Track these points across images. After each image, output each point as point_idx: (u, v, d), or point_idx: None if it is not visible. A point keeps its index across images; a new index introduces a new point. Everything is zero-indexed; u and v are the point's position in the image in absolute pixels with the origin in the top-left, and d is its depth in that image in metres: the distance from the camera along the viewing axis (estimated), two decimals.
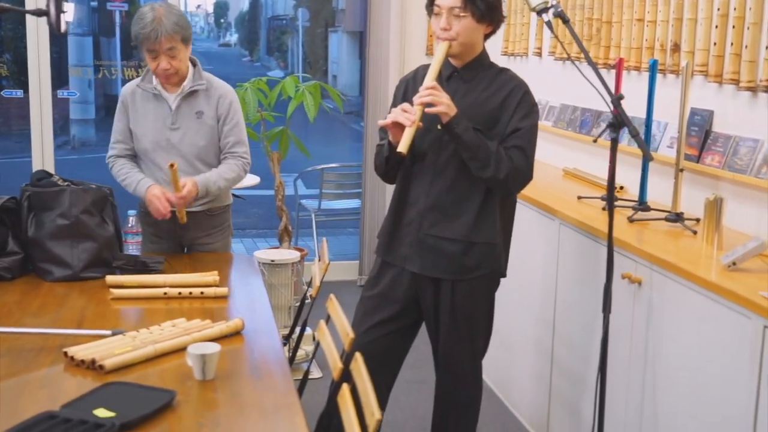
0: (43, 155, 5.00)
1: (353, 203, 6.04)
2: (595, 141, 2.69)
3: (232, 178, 3.17)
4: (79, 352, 2.17)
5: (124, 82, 10.09)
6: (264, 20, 17.78)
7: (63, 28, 2.06)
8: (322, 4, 13.32)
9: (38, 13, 2.07)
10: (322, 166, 5.88)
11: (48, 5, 2.09)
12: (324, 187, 5.84)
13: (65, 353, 2.18)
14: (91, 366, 2.13)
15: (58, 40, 5.15)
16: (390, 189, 5.49)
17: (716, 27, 3.02)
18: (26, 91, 5.03)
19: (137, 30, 2.97)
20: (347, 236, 7.08)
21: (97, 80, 8.82)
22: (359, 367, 2.00)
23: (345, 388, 1.96)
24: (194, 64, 3.17)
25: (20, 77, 5.77)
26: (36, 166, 4.94)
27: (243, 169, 3.20)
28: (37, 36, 4.91)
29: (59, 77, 5.21)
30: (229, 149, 3.19)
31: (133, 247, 3.02)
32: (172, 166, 2.92)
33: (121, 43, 9.02)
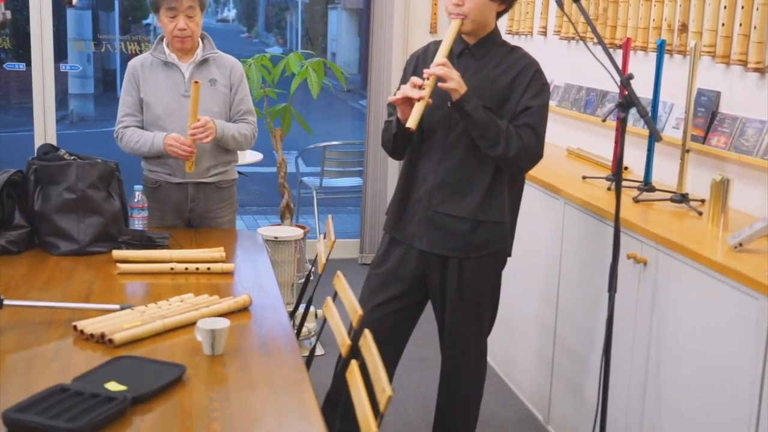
0: (45, 129, 4.98)
1: (355, 181, 6.03)
2: (604, 120, 2.70)
3: (245, 135, 3.25)
4: (89, 326, 2.18)
5: (123, 56, 10.06)
6: None
7: (74, 1, 2.04)
8: None
9: None
10: (324, 143, 5.87)
11: None
12: (326, 164, 5.83)
13: (75, 327, 2.19)
14: (101, 340, 2.13)
15: (57, 13, 5.11)
16: (392, 167, 5.54)
17: (725, 7, 3.01)
18: (28, 64, 5.01)
19: None
20: (347, 214, 7.08)
21: (95, 54, 8.78)
22: (369, 344, 2.01)
23: (354, 364, 1.97)
24: (204, 38, 3.26)
25: (18, 50, 5.74)
26: (38, 140, 4.93)
27: (253, 135, 3.30)
28: (40, 9, 4.88)
29: (58, 51, 5.19)
30: (241, 116, 3.28)
31: (138, 222, 3.01)
32: (196, 83, 3.01)
33: (120, 17, 8.97)
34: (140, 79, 3.21)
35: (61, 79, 7.67)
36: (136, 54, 6.23)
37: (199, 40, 3.23)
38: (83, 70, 8.69)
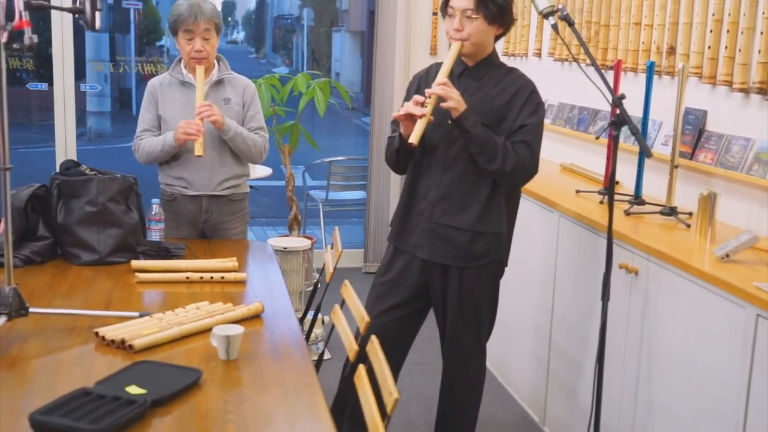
0: (66, 145, 5.00)
1: (359, 194, 6.04)
2: (597, 138, 2.71)
3: (254, 141, 3.24)
4: (109, 332, 2.18)
5: (138, 76, 10.08)
6: (270, 19, 17.72)
7: (98, 25, 2.06)
8: (326, 5, 13.27)
9: (75, 10, 2.07)
10: (330, 159, 5.88)
11: (83, 2, 2.09)
12: (331, 178, 5.84)
13: (96, 333, 2.19)
14: (121, 345, 2.14)
15: (77, 36, 5.15)
16: (395, 181, 5.55)
17: (711, 31, 3.03)
18: (50, 84, 5.03)
19: (177, 13, 3.12)
20: (351, 225, 7.08)
21: (112, 74, 8.81)
22: (376, 349, 2.01)
23: (362, 369, 1.97)
24: (219, 60, 3.29)
25: (39, 71, 5.77)
26: (59, 156, 4.94)
27: (264, 147, 3.30)
28: (61, 32, 4.90)
29: (77, 71, 5.22)
30: (253, 132, 3.28)
31: (156, 233, 3.02)
32: (199, 66, 3.11)
33: (136, 39, 9.00)
34: (159, 97, 3.24)
35: (79, 97, 7.71)
36: (152, 74, 6.26)
37: (215, 61, 3.25)
38: (101, 90, 8.71)
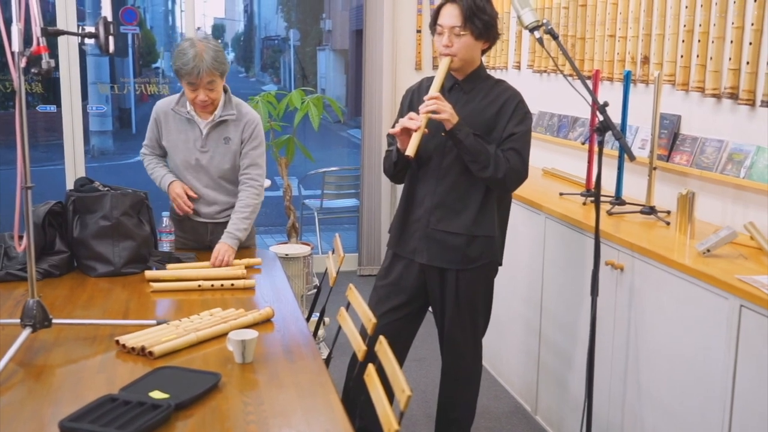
0: (75, 163, 4.94)
1: (351, 202, 6.03)
2: (583, 143, 2.70)
3: (252, 207, 3.09)
4: (130, 340, 2.15)
5: (137, 97, 10.02)
6: (258, 40, 17.70)
7: (111, 49, 2.02)
8: (311, 26, 13.28)
9: (89, 35, 2.03)
10: (324, 169, 5.86)
11: (97, 28, 2.06)
12: (325, 188, 5.82)
13: (117, 341, 2.15)
14: (141, 352, 2.10)
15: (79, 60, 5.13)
16: (385, 189, 5.54)
17: (683, 41, 3.03)
18: (58, 105, 4.97)
19: (179, 64, 2.88)
20: (344, 231, 7.05)
21: (113, 96, 8.76)
22: (385, 348, 1.98)
23: (371, 368, 1.94)
24: (225, 91, 3.07)
25: (45, 94, 5.70)
26: (69, 173, 4.89)
27: (256, 196, 3.10)
28: (68, 56, 4.85)
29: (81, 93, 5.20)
30: (245, 169, 3.10)
31: (166, 245, 2.98)
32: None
33: (133, 62, 8.95)
34: (162, 126, 3.12)
35: (84, 118, 7.67)
36: (150, 95, 6.20)
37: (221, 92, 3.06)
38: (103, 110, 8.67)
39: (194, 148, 3.08)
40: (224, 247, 2.96)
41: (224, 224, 3.16)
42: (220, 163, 3.09)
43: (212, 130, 3.07)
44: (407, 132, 2.58)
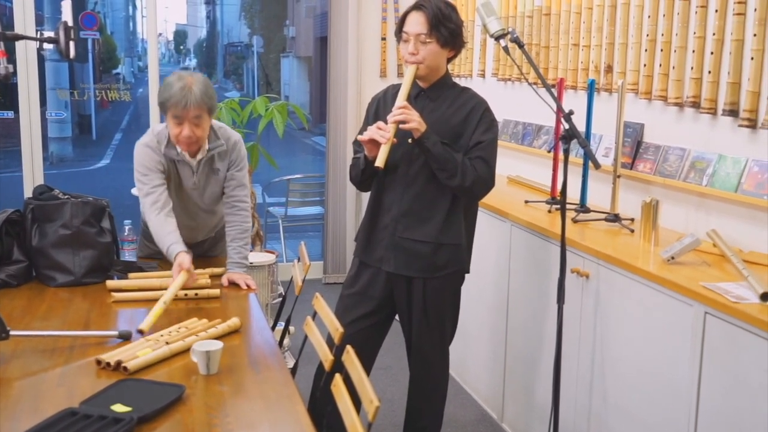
0: (33, 170, 4.84)
1: (315, 209, 6.00)
2: (549, 152, 2.70)
3: (248, 230, 3.00)
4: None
5: (97, 103, 9.86)
6: (221, 46, 17.56)
7: (72, 54, 1.98)
8: (274, 32, 13.21)
9: (49, 40, 1.99)
10: (288, 176, 5.82)
11: (57, 33, 2.02)
12: (290, 195, 5.78)
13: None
14: (116, 368, 2.05)
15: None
16: (350, 196, 5.52)
17: (646, 50, 3.07)
18: (16, 111, 4.87)
19: (166, 96, 2.70)
20: (309, 239, 7.01)
21: (72, 101, 8.63)
22: (352, 358, 1.96)
23: (338, 378, 1.92)
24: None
25: (1, 99, 5.59)
26: (27, 181, 4.78)
27: (248, 217, 3.02)
28: (26, 62, 4.75)
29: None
30: (232, 191, 2.98)
31: (129, 253, 2.93)
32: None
33: (93, 67, 8.82)
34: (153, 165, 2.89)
35: (42, 124, 7.53)
36: (111, 101, 6.10)
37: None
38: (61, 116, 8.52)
39: (188, 187, 2.96)
40: (240, 276, 2.88)
41: (203, 241, 3.11)
42: (213, 190, 3.00)
43: (204, 166, 2.93)
44: (375, 141, 2.57)
